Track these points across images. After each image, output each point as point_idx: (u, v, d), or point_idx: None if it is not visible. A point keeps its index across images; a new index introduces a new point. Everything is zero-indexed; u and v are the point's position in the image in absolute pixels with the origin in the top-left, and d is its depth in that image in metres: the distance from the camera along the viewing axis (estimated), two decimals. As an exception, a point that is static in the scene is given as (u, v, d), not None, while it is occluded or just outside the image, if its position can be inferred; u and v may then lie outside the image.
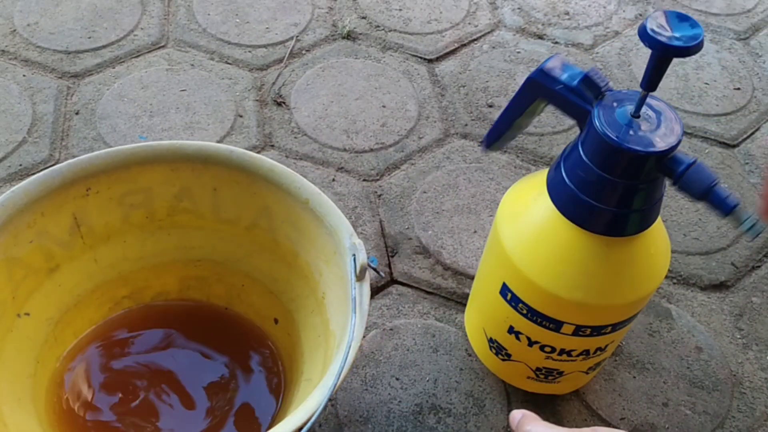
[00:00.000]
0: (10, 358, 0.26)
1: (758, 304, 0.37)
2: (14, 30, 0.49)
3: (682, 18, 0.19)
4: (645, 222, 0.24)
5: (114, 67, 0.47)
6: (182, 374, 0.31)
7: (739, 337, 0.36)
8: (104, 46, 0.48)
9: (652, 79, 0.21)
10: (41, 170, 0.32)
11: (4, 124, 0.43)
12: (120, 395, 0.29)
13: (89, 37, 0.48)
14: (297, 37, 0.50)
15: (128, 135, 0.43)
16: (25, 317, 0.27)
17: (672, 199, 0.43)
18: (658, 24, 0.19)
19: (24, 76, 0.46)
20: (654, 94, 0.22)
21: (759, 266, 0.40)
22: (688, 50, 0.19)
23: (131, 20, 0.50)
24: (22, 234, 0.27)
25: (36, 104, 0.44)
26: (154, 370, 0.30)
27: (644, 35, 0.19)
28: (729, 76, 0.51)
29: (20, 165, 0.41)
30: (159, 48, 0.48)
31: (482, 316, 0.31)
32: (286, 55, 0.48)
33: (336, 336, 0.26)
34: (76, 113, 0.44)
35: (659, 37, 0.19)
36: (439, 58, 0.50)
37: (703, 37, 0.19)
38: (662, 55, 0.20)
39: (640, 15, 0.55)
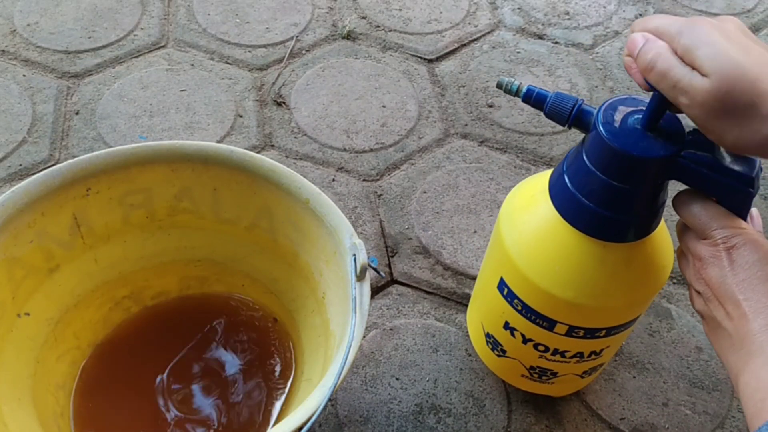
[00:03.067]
0: (10, 358, 0.26)
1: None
2: (14, 30, 0.49)
3: None
4: (645, 230, 0.24)
5: (114, 67, 0.47)
6: (183, 374, 0.31)
7: (739, 337, 0.36)
8: (104, 46, 0.48)
9: (656, 108, 0.21)
10: (41, 170, 0.32)
11: (4, 124, 0.43)
12: (122, 397, 0.29)
13: (89, 37, 0.48)
14: (297, 37, 0.50)
15: (128, 135, 0.43)
16: (26, 317, 0.27)
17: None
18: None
19: (24, 76, 0.46)
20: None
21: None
22: None
23: (131, 20, 0.50)
24: (22, 234, 0.27)
25: (36, 104, 0.44)
26: (155, 371, 0.30)
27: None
28: (729, 76, 0.51)
29: (20, 165, 0.41)
30: (159, 48, 0.48)
31: (481, 310, 0.31)
32: (286, 55, 0.48)
33: (336, 336, 0.26)
34: (76, 113, 0.44)
35: None
36: (439, 58, 0.50)
37: None
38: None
39: (640, 15, 0.55)
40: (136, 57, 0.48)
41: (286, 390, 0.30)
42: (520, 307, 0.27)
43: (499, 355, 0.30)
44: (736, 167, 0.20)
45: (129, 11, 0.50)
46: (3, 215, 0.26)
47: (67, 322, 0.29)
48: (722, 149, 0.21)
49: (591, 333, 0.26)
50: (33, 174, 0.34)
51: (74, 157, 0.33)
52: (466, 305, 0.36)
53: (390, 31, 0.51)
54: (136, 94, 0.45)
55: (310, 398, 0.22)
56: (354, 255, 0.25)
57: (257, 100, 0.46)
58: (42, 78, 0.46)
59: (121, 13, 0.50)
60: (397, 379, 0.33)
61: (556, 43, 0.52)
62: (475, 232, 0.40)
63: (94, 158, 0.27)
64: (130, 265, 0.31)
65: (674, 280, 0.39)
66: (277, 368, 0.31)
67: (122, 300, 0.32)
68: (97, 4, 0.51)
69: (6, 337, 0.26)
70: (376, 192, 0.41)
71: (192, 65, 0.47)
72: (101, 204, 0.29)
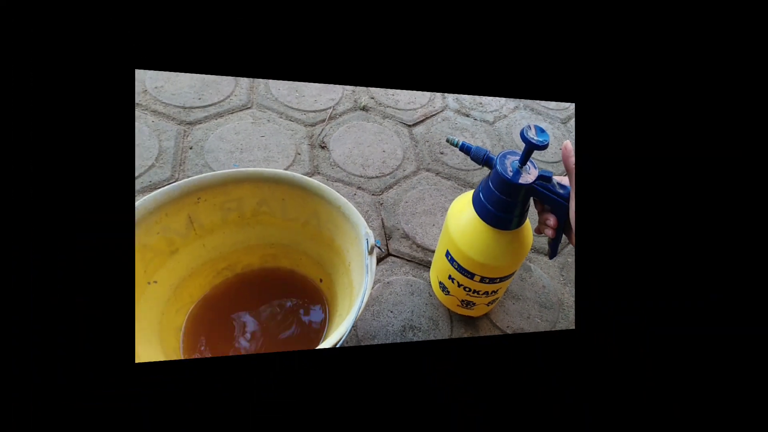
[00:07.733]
0: (143, 312, 0.21)
1: (571, 262, 0.37)
2: (145, 90, 0.39)
3: (542, 129, 0.20)
4: (519, 223, 0.24)
5: (216, 119, 0.38)
6: (264, 314, 0.26)
7: (562, 279, 0.36)
8: (209, 105, 0.39)
9: (525, 158, 0.21)
10: (165, 185, 0.25)
11: (138, 154, 0.34)
12: (218, 328, 0.24)
13: (199, 98, 0.39)
14: (333, 107, 0.43)
15: (226, 163, 0.36)
16: (154, 284, 0.22)
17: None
18: (531, 132, 0.20)
19: (153, 121, 0.36)
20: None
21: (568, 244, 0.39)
22: (543, 146, 0.20)
23: (228, 89, 0.41)
24: (151, 228, 0.21)
25: (161, 141, 0.35)
26: (244, 313, 0.25)
27: (523, 138, 0.20)
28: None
29: (150, 181, 0.33)
30: (246, 108, 0.40)
31: (436, 270, 0.29)
32: (327, 118, 0.41)
33: (356, 288, 0.23)
34: (190, 148, 0.36)
35: (531, 139, 0.20)
36: (415, 125, 0.45)
37: (548, 141, 0.20)
38: (530, 147, 0.20)
39: (518, 106, 0.52)
40: (231, 113, 0.39)
41: (327, 321, 0.26)
42: (456, 267, 0.26)
43: (446, 294, 0.29)
44: (560, 191, 0.21)
45: (226, 83, 0.41)
46: (138, 215, 0.20)
47: (184, 286, 0.24)
48: (554, 181, 0.21)
49: (492, 280, 0.26)
50: (159, 188, 0.28)
51: (189, 177, 0.27)
52: (429, 268, 0.33)
53: (387, 107, 0.45)
54: (231, 137, 0.37)
55: (342, 325, 0.19)
56: (367, 239, 0.22)
57: (309, 144, 0.39)
58: (166, 124, 0.37)
59: (221, 84, 0.41)
60: (391, 312, 0.30)
61: (475, 119, 0.48)
62: (433, 225, 0.36)
63: (202, 178, 0.22)
64: (227, 248, 0.25)
65: (532, 251, 0.38)
66: (322, 309, 0.27)
67: (222, 270, 0.26)
68: (204, 78, 0.41)
69: (140, 298, 0.21)
70: (379, 202, 0.37)
71: (268, 120, 0.40)
72: (207, 208, 0.23)
